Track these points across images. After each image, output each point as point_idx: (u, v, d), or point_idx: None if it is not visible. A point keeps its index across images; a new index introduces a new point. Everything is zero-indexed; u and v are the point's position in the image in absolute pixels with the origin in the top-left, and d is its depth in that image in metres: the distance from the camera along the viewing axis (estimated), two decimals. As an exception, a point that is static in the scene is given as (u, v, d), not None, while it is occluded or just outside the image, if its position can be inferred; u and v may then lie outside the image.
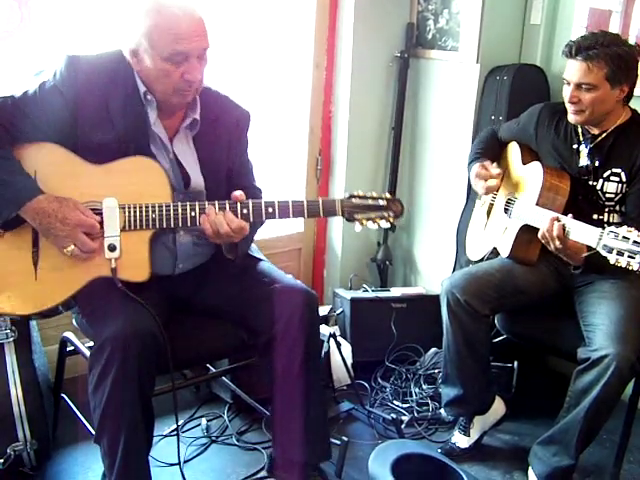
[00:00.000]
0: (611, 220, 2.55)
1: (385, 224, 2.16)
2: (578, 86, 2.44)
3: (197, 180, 2.22)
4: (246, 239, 2.19)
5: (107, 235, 2.03)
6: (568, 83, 2.48)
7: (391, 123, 3.69)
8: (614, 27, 3.04)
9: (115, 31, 2.79)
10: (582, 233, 2.27)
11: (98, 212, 2.05)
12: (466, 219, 3.07)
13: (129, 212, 2.06)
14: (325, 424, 2.41)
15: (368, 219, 2.14)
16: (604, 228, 2.18)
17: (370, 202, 2.13)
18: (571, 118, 2.54)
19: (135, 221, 2.06)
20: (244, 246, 2.28)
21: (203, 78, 2.12)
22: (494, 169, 2.69)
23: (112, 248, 2.03)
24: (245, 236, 2.14)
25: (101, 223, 2.03)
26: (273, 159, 3.49)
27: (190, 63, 2.03)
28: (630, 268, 2.07)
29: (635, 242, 2.06)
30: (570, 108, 2.51)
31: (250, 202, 2.10)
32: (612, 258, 2.11)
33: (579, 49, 2.41)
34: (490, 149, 2.89)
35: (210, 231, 2.08)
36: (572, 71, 2.44)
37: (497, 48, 3.35)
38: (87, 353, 2.26)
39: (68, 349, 2.51)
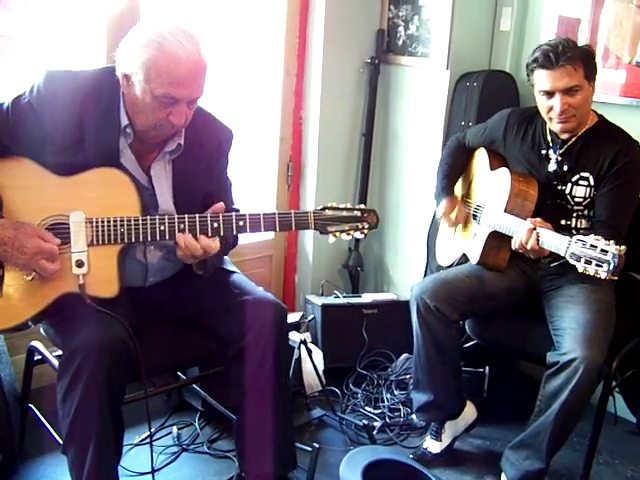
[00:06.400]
0: (579, 226, 2.58)
1: (359, 235, 2.12)
2: (565, 92, 2.41)
3: (166, 207, 2.16)
4: (216, 256, 2.16)
5: (74, 251, 1.98)
6: (549, 94, 2.44)
7: (362, 129, 3.70)
8: (583, 35, 3.08)
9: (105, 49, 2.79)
10: (552, 241, 2.28)
11: (65, 226, 2.00)
12: (436, 225, 3.08)
13: (97, 226, 2.01)
14: (292, 434, 2.38)
15: (342, 231, 2.10)
16: (572, 235, 2.19)
17: (344, 213, 2.09)
18: (557, 128, 2.50)
19: (103, 236, 2.01)
20: (214, 262, 2.25)
21: (189, 119, 2.06)
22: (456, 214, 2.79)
23: (80, 264, 1.97)
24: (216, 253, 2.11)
25: (68, 238, 1.99)
26: (244, 165, 3.48)
27: (179, 107, 1.98)
28: (598, 276, 2.07)
29: (602, 250, 2.06)
30: (558, 118, 2.46)
31: (220, 216, 2.05)
32: (580, 267, 2.12)
33: (558, 56, 2.39)
34: (458, 165, 2.92)
35: (184, 254, 2.05)
36: (555, 80, 2.41)
37: (467, 54, 3.38)
38: (55, 362, 2.23)
39: (36, 358, 2.46)
